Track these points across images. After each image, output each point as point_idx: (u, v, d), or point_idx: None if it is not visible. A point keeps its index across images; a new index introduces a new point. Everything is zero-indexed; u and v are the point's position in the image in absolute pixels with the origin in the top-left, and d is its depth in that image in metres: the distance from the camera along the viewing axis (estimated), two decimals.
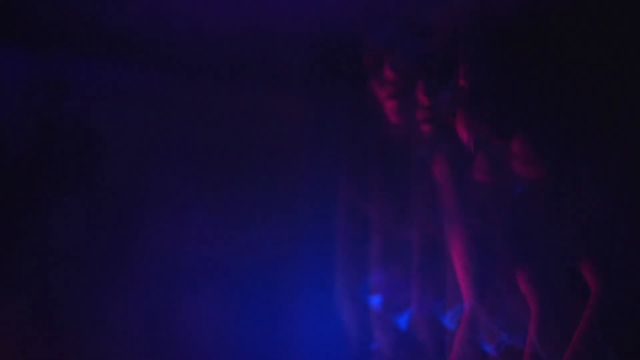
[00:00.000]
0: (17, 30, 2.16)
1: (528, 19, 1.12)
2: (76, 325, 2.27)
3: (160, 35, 2.19)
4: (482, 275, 1.16)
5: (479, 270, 1.14)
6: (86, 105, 2.30)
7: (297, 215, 2.39)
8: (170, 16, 2.08)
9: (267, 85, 2.39)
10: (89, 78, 2.30)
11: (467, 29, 1.19)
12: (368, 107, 1.69)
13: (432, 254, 1.34)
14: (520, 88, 1.13)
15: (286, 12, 2.02)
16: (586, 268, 0.99)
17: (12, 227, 2.21)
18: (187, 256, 2.35)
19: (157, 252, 2.34)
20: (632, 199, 1.00)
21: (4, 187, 2.20)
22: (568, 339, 1.00)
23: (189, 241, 2.35)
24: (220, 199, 2.38)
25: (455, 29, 1.24)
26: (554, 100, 1.08)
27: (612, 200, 1.00)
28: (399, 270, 1.51)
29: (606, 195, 1.00)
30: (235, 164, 2.40)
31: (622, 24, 1.06)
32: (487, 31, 1.16)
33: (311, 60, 2.29)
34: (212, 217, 2.37)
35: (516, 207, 1.08)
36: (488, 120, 1.12)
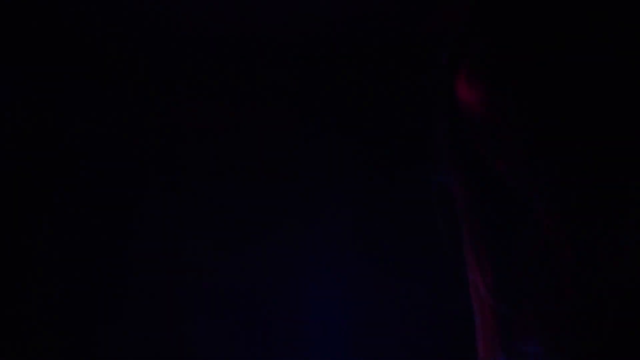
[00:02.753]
0: (4, 48, 2.14)
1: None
2: (71, 351, 2.24)
3: (150, 53, 2.17)
4: None
5: None
6: (76, 124, 2.28)
7: (300, 232, 2.37)
8: (162, 33, 2.06)
9: (266, 99, 2.37)
10: (78, 97, 2.28)
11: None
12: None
13: None
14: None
15: (278, 23, 2.00)
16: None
17: None
18: (186, 278, 2.33)
19: (154, 274, 2.31)
20: None
21: None
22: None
23: (187, 263, 2.33)
24: (218, 217, 2.36)
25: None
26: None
27: None
28: None
29: None
30: (234, 180, 2.37)
31: None
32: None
33: (313, 73, 2.27)
34: (211, 236, 2.34)
35: None
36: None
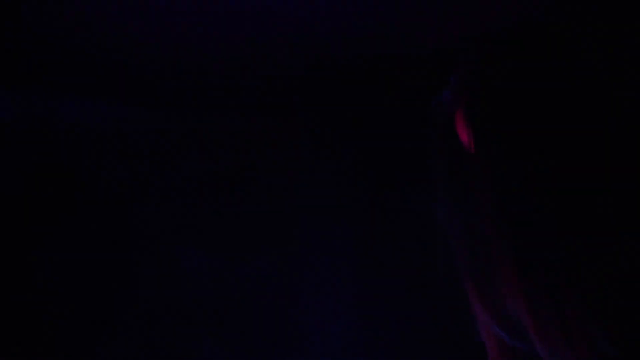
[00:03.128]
0: (1, 69, 2.13)
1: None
2: None
3: (146, 69, 2.17)
4: None
5: None
6: (73, 144, 2.28)
7: (296, 246, 2.36)
8: (156, 48, 2.05)
9: (261, 112, 2.37)
10: (75, 116, 2.27)
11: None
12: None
13: None
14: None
15: (276, 37, 2.00)
16: None
17: None
18: (182, 295, 2.32)
19: (151, 292, 2.31)
20: None
21: None
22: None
23: (183, 279, 2.32)
24: (215, 233, 2.35)
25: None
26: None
27: None
28: None
29: None
30: (229, 195, 2.37)
31: None
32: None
33: (307, 84, 2.26)
34: (208, 252, 2.34)
35: None
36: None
